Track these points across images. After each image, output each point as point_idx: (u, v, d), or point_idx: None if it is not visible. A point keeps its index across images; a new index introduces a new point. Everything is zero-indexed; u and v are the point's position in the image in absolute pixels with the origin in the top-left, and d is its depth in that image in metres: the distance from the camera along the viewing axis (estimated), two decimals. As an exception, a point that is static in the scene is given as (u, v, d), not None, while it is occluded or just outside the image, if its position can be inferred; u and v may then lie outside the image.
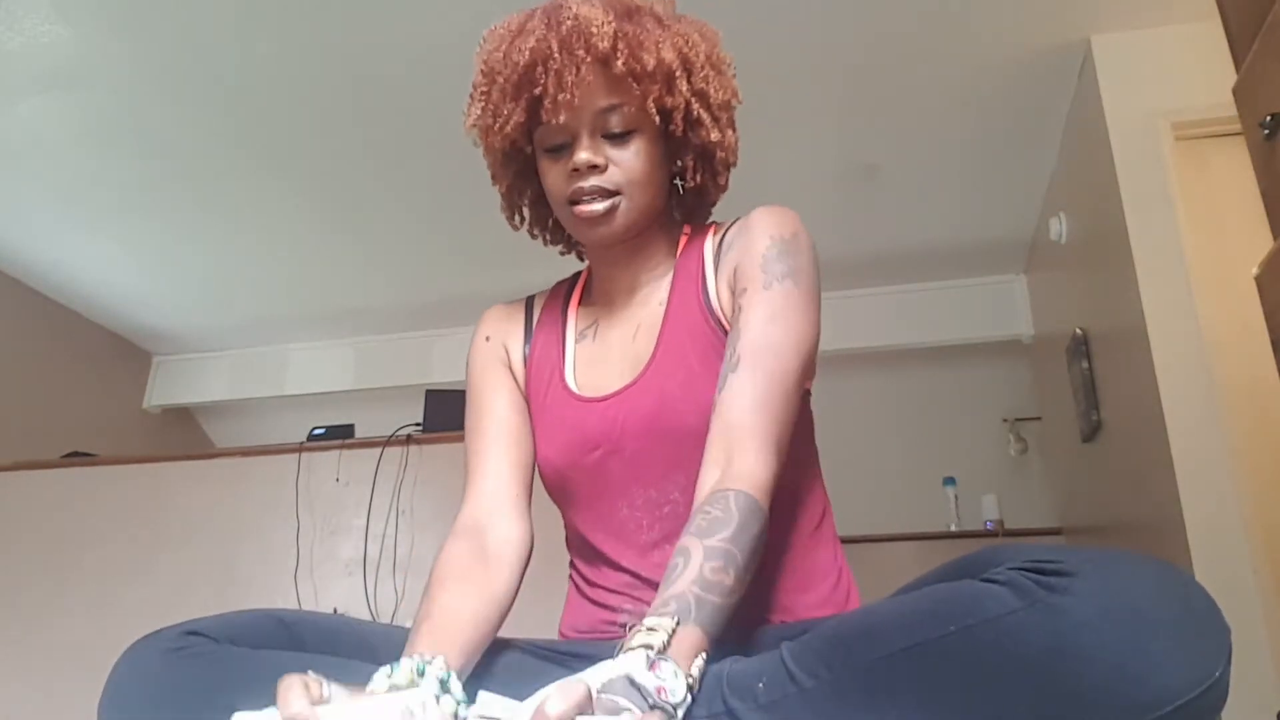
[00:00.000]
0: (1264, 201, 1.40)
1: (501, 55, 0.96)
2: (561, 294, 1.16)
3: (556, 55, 0.93)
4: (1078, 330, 3.28)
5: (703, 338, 0.98)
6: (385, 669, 0.72)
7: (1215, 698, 0.58)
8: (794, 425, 0.92)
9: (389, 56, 2.88)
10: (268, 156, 3.43)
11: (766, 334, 0.91)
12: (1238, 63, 1.47)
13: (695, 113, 0.99)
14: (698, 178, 1.06)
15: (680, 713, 0.65)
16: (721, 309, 1.00)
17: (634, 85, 0.95)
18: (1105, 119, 2.75)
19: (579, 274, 1.19)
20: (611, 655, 0.67)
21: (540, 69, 0.93)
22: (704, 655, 0.70)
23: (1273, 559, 2.29)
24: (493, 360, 1.11)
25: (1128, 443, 2.88)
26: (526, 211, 1.12)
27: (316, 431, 3.46)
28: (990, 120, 3.23)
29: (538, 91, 0.94)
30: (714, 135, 1.01)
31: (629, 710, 0.62)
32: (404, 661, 0.73)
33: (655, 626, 0.68)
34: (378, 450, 3.23)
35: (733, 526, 0.77)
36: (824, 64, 2.86)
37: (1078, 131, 3.09)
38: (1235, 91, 1.46)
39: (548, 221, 1.14)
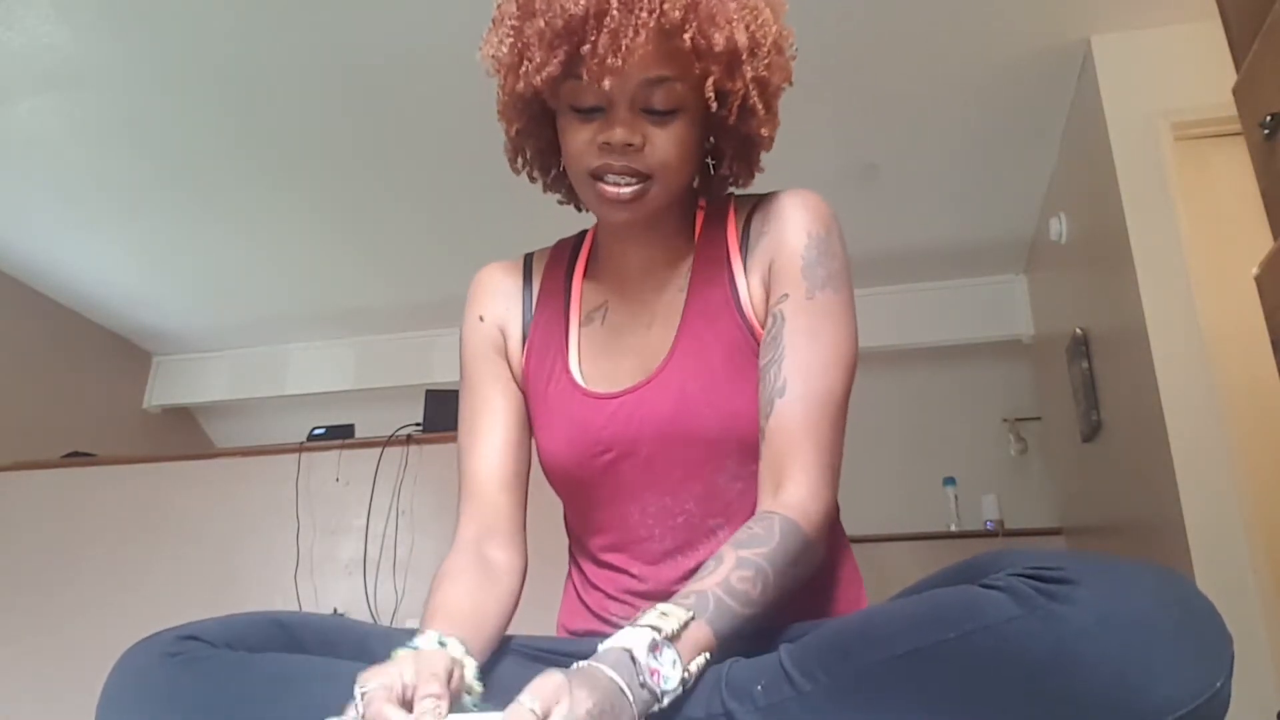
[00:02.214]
0: (1264, 201, 1.39)
1: None
2: (565, 259, 1.07)
3: (615, 13, 0.82)
4: (1078, 330, 3.27)
5: (728, 336, 0.93)
6: (409, 646, 0.72)
7: (1216, 708, 0.57)
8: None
9: (390, 56, 2.88)
10: (268, 156, 3.42)
11: (812, 352, 0.88)
12: (1238, 63, 1.47)
13: (751, 101, 0.90)
14: (733, 166, 0.99)
15: (667, 700, 0.66)
16: (754, 309, 0.93)
17: (694, 63, 0.85)
18: (1105, 119, 2.75)
19: (583, 234, 1.10)
20: None
21: (593, 24, 0.82)
22: (707, 655, 0.70)
23: (1273, 559, 2.28)
24: (487, 347, 1.04)
25: (1128, 443, 2.88)
26: (530, 156, 1.01)
27: (316, 431, 3.46)
28: (990, 120, 3.22)
29: (584, 48, 0.83)
30: (764, 129, 0.94)
31: (615, 684, 0.63)
32: (426, 634, 0.75)
33: (668, 613, 0.69)
34: (378, 450, 3.23)
35: (771, 544, 0.77)
36: (823, 64, 2.86)
37: (1078, 131, 3.09)
38: (1235, 91, 1.46)
39: (551, 169, 1.03)
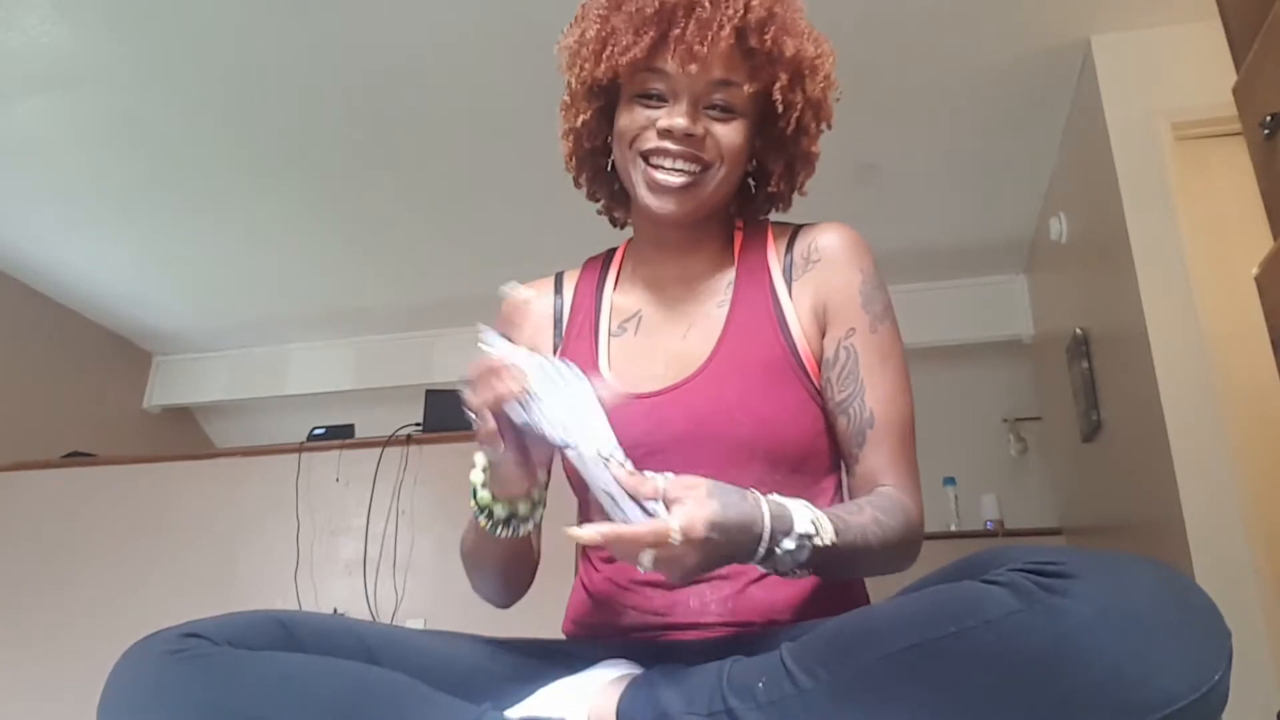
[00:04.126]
0: (1264, 201, 1.39)
1: None
2: (596, 275, 1.11)
3: (706, 4, 0.90)
4: (1078, 330, 3.28)
5: (770, 353, 0.96)
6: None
7: (1215, 701, 0.57)
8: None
9: (389, 56, 2.88)
10: (268, 156, 3.42)
11: (887, 381, 0.95)
12: (1238, 63, 1.47)
13: (806, 120, 0.98)
14: (780, 185, 1.05)
15: (758, 570, 0.80)
16: (802, 333, 0.98)
17: (764, 68, 0.93)
18: (1105, 119, 2.75)
19: (613, 251, 1.14)
20: (608, 658, 0.68)
21: (683, 12, 0.91)
22: (809, 573, 0.80)
23: (1273, 559, 2.28)
24: None
25: (1128, 443, 2.88)
26: (586, 152, 1.06)
27: (316, 431, 3.46)
28: (990, 120, 3.22)
29: (674, 34, 0.91)
30: (815, 148, 1.01)
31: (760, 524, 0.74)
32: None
33: (823, 525, 0.77)
34: (378, 450, 3.23)
35: (895, 521, 0.87)
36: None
37: (1078, 131, 3.09)
38: (1235, 91, 1.46)
39: (601, 170, 1.08)
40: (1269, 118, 1.33)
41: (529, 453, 0.80)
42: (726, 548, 0.72)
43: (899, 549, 0.87)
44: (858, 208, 3.75)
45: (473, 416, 0.78)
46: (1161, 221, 2.59)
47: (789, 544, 0.75)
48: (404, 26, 2.73)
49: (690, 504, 0.71)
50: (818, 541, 0.76)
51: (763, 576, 0.91)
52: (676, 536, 0.69)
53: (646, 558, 0.69)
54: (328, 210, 3.79)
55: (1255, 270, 1.39)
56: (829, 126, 1.02)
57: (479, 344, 0.78)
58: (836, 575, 0.86)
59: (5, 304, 4.17)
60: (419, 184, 3.58)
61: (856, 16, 2.70)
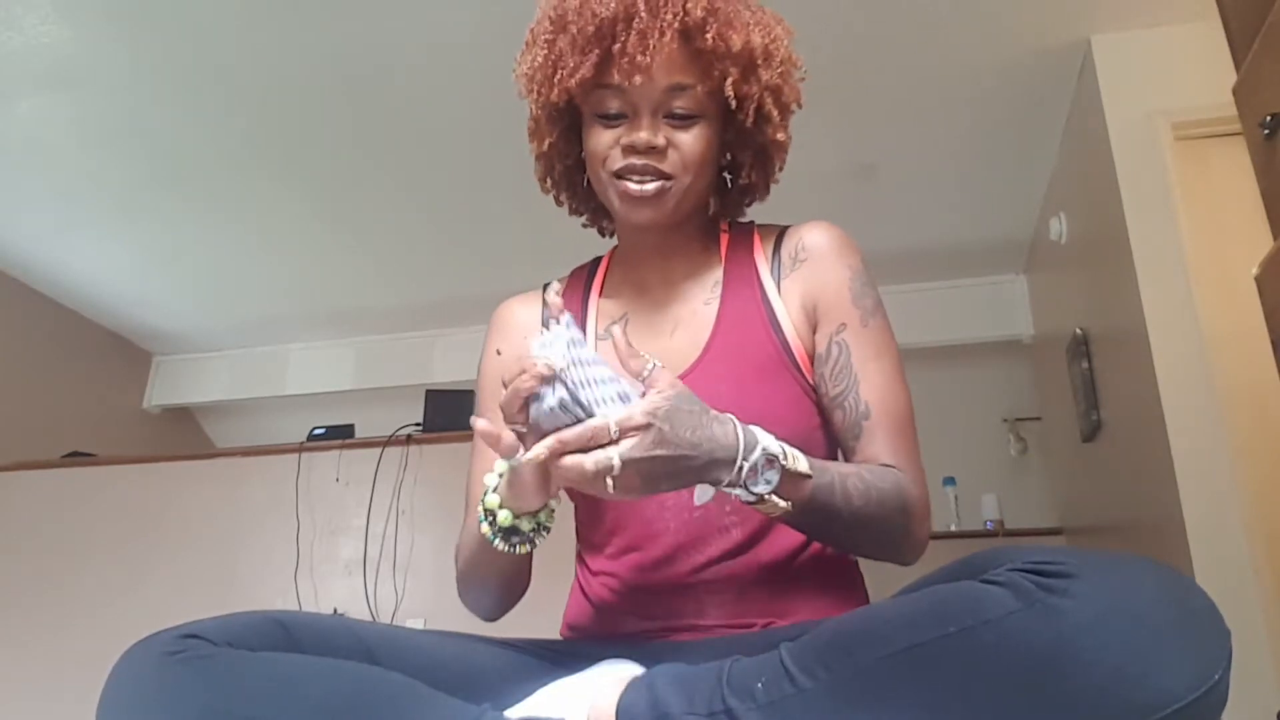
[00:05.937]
0: (1264, 201, 1.39)
1: (578, 3, 0.92)
2: (581, 283, 1.12)
3: (643, 14, 0.89)
4: (1078, 330, 3.28)
5: (763, 351, 0.97)
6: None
7: (1215, 701, 0.57)
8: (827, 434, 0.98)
9: (390, 56, 2.88)
10: (268, 156, 3.42)
11: (882, 374, 0.95)
12: (1238, 63, 1.47)
13: (766, 108, 0.97)
14: (751, 176, 1.05)
15: (731, 492, 0.77)
16: (793, 329, 0.98)
17: (714, 65, 0.92)
18: (1105, 119, 2.75)
19: (598, 260, 1.15)
20: (608, 658, 0.68)
21: (622, 25, 0.90)
22: (789, 507, 0.78)
23: (1273, 559, 2.28)
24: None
25: (1128, 443, 2.88)
26: (559, 174, 1.07)
27: (316, 431, 3.47)
28: (990, 120, 3.22)
29: (615, 48, 0.90)
30: (779, 135, 1.00)
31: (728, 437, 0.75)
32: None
33: (796, 456, 0.78)
34: (378, 450, 3.23)
35: (884, 488, 0.86)
36: (822, 64, 2.86)
37: (1078, 131, 3.09)
38: (1235, 91, 1.46)
39: (577, 187, 1.09)
40: (1269, 118, 1.33)
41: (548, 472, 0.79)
42: (688, 437, 0.73)
43: (888, 513, 0.86)
44: (857, 208, 3.78)
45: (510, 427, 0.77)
46: (1161, 221, 2.59)
47: (755, 456, 0.76)
48: (405, 27, 2.73)
49: (658, 393, 0.74)
50: (786, 464, 0.77)
51: (761, 579, 0.91)
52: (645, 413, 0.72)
53: (616, 460, 0.70)
54: (328, 210, 3.79)
55: (1255, 270, 1.39)
56: (799, 106, 1.02)
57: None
58: (820, 526, 0.84)
59: (5, 304, 4.17)
60: (419, 184, 3.58)
61: (856, 17, 2.70)
